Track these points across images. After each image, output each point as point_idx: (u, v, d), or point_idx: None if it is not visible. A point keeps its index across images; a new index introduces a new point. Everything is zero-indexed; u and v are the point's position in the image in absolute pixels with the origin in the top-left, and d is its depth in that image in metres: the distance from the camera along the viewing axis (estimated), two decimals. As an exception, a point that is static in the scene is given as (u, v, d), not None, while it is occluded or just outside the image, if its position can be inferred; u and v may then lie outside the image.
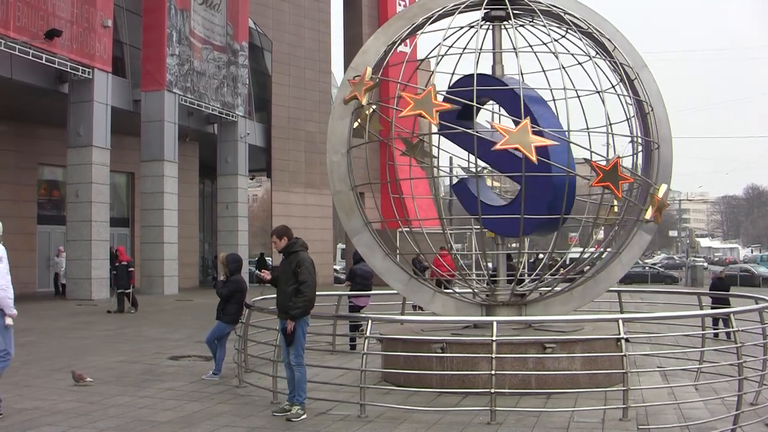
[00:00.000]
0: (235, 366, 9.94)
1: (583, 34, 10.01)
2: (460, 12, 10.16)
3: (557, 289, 10.56)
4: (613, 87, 9.98)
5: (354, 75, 10.02)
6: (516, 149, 8.76)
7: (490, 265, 12.65)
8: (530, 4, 9.97)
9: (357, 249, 10.36)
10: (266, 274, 8.49)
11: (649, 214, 9.68)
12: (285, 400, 8.11)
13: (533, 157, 8.57)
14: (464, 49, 10.14)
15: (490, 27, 10.44)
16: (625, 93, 9.97)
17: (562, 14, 10.07)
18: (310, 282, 7.91)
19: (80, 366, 11.08)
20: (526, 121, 8.72)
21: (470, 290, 10.74)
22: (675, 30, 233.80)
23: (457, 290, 11.34)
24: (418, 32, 10.41)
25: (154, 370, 10.96)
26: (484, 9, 10.09)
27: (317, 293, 8.16)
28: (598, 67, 9.73)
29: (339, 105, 10.29)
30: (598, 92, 9.46)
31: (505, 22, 10.38)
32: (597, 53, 10.04)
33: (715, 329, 12.31)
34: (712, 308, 12.51)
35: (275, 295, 8.38)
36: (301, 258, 7.99)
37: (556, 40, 9.74)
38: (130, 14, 28.26)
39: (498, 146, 8.79)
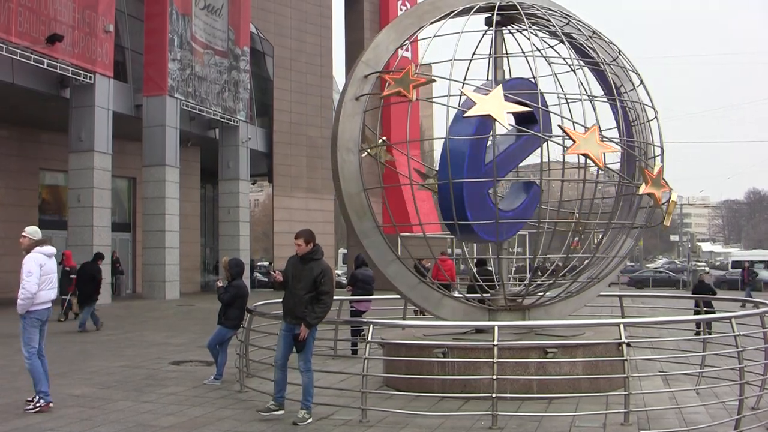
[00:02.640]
0: (237, 371, 9.95)
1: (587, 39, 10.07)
2: (473, 13, 10.18)
3: (549, 294, 10.54)
4: (609, 93, 10.04)
5: (367, 71, 9.88)
6: (584, 155, 8.63)
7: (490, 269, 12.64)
8: (537, 10, 10.02)
9: (367, 251, 10.09)
10: (278, 276, 8.42)
11: (667, 220, 9.80)
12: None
13: (601, 164, 8.54)
14: (513, 55, 10.23)
15: (493, 31, 10.48)
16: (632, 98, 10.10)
17: (568, 21, 10.11)
18: (333, 293, 8.04)
19: (83, 371, 11.09)
20: (594, 127, 8.63)
21: (473, 295, 10.75)
22: (678, 33, 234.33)
23: (459, 295, 11.31)
24: (427, 30, 10.34)
25: (155, 375, 10.97)
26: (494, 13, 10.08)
27: None
28: (607, 72, 9.81)
29: (350, 102, 9.87)
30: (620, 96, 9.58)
31: (506, 28, 10.42)
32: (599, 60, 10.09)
33: (707, 332, 12.32)
34: (695, 312, 12.60)
35: (281, 299, 8.38)
36: (325, 267, 8.04)
37: (552, 46, 9.82)
38: (132, 19, 28.33)
39: (569, 152, 8.73)
